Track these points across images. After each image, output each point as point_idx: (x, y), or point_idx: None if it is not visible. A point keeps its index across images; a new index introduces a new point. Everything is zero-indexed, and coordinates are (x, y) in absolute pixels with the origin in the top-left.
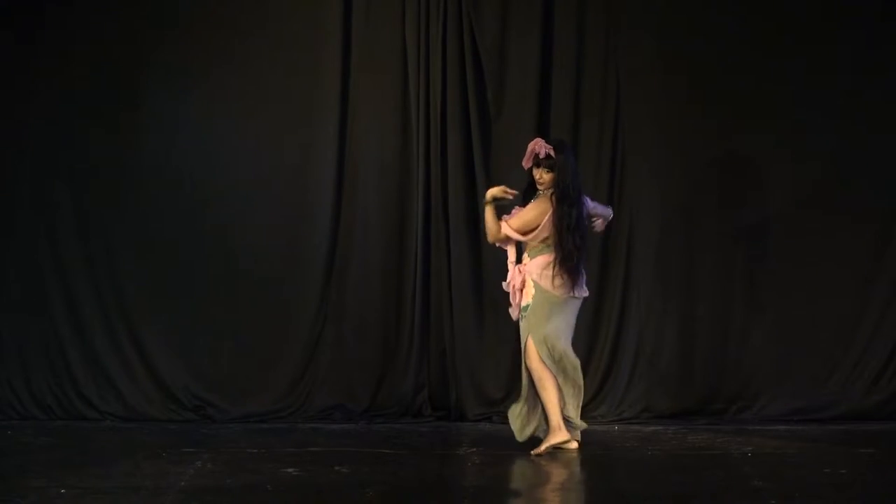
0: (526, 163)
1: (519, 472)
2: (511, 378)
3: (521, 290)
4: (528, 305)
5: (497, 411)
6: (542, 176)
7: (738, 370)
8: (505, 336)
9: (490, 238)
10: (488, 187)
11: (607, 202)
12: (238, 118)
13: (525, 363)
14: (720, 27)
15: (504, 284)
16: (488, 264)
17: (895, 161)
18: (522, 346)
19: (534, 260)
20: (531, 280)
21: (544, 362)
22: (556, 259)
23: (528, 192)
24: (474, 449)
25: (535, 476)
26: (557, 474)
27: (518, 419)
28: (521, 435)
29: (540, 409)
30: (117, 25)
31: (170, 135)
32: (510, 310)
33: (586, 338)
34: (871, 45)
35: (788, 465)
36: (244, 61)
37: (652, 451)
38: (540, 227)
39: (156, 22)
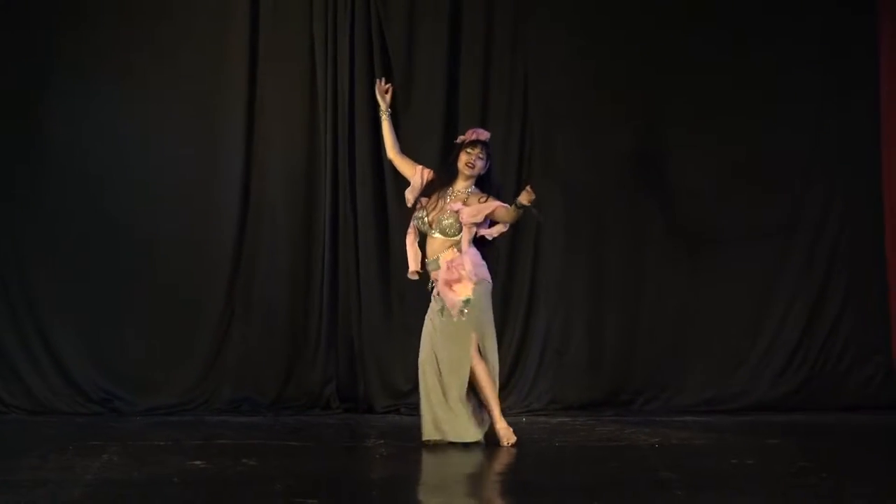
0: (467, 138)
1: (426, 464)
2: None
3: (454, 285)
4: (468, 299)
5: (405, 403)
6: (477, 162)
7: (646, 361)
8: (412, 329)
9: (389, 154)
10: (395, 181)
11: (515, 192)
12: (145, 112)
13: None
14: (629, 17)
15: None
16: (396, 257)
17: (799, 154)
18: (468, 342)
19: (471, 251)
20: (467, 272)
21: (479, 355)
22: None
23: (441, 177)
24: (382, 441)
25: (442, 468)
26: (465, 466)
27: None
28: (476, 434)
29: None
30: (23, 17)
31: (76, 129)
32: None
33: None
34: (787, 34)
35: (695, 455)
36: (150, 55)
37: (560, 443)
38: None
39: (61, 14)
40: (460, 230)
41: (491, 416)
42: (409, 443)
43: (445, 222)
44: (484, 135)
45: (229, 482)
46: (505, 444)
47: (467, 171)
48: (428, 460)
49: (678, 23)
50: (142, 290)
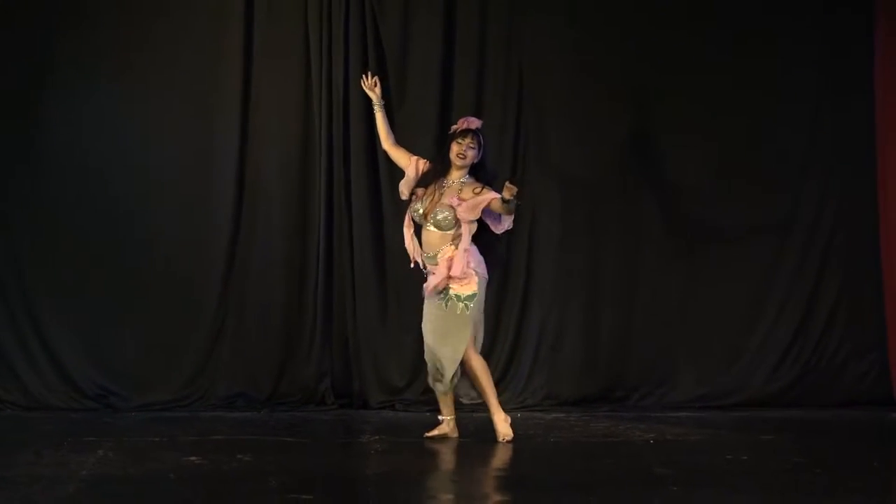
0: (458, 127)
1: (421, 460)
2: (414, 366)
3: (461, 281)
4: (474, 294)
5: (399, 399)
6: (468, 151)
7: (641, 357)
8: (408, 324)
9: (384, 145)
10: (390, 176)
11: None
12: (142, 111)
13: (461, 353)
14: (626, 14)
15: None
16: (391, 252)
17: (796, 153)
18: (466, 335)
19: (472, 248)
20: (473, 270)
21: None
22: (478, 240)
23: (436, 168)
24: (377, 437)
25: (437, 464)
26: (460, 462)
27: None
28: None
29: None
30: (23, 17)
31: (74, 127)
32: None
33: (489, 325)
34: (783, 34)
35: (690, 451)
36: (147, 53)
37: (555, 439)
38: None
39: (61, 14)
40: (454, 224)
41: (489, 410)
42: (404, 438)
43: (440, 216)
44: (475, 123)
45: (224, 478)
46: (501, 439)
47: (459, 162)
48: (423, 456)
49: (676, 21)
50: (137, 286)
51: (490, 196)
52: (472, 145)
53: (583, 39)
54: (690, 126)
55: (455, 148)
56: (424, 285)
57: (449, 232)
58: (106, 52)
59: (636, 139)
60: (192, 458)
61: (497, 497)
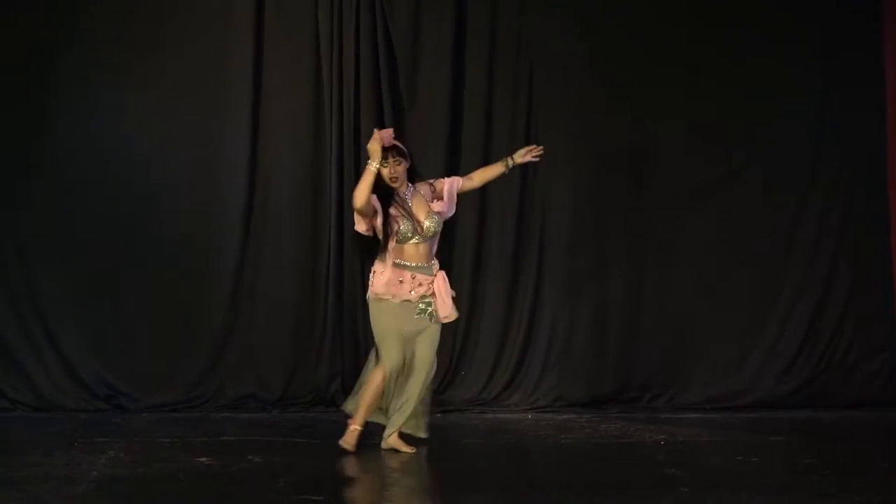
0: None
1: (432, 462)
2: None
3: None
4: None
5: None
6: (396, 168)
7: (651, 358)
8: None
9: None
10: None
11: (520, 191)
12: (150, 111)
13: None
14: (634, 13)
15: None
16: None
17: (804, 151)
18: (434, 350)
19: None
20: (448, 294)
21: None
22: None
23: (383, 196)
24: None
25: (448, 465)
26: (470, 463)
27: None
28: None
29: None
30: (28, 13)
31: (82, 129)
32: (440, 310)
33: (499, 327)
34: (788, 31)
35: (701, 452)
36: (155, 54)
37: (565, 440)
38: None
39: (63, 14)
40: (437, 230)
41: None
42: (415, 440)
43: (429, 224)
44: (388, 139)
45: (234, 479)
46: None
47: (395, 184)
48: (433, 458)
49: (683, 21)
50: (146, 287)
51: (451, 180)
52: (397, 161)
53: (592, 39)
54: (698, 127)
55: (385, 172)
56: (408, 291)
57: (434, 239)
58: (110, 52)
59: (645, 140)
60: (202, 458)
61: (507, 498)
